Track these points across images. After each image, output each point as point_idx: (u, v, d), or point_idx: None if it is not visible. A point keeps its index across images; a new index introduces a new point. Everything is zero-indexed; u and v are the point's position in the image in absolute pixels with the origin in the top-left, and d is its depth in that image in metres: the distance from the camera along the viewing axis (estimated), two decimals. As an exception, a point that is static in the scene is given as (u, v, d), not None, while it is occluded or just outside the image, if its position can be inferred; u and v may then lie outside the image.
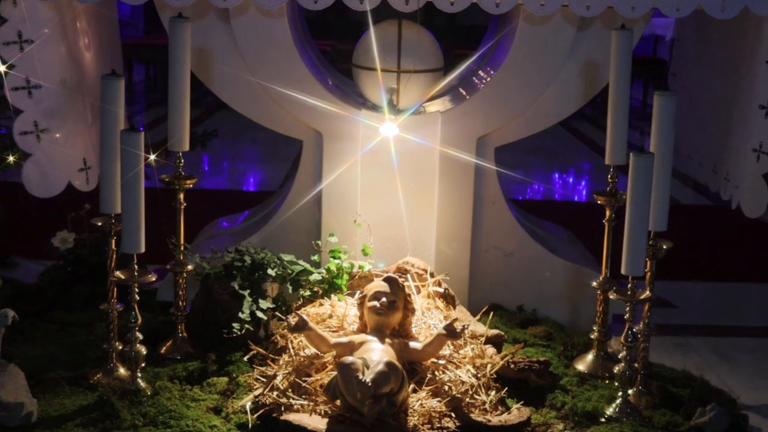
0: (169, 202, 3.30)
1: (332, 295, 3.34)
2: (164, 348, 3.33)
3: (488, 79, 3.63)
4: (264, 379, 3.02)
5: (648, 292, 2.97)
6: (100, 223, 3.09)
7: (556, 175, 7.31)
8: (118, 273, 2.98)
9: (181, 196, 3.29)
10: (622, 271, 2.90)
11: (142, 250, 2.92)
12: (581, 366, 3.33)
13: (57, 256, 3.94)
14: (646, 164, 2.83)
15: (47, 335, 3.47)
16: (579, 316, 3.77)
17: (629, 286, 2.93)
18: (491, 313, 3.40)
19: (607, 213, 3.28)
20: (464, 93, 3.71)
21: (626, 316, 2.95)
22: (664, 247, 3.10)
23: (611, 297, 2.98)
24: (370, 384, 2.67)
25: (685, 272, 4.55)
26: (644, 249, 2.89)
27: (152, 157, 3.39)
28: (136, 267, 2.95)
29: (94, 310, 3.54)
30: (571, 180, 7.32)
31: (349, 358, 2.78)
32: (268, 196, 4.60)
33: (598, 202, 3.29)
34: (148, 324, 3.55)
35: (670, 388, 3.19)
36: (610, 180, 3.28)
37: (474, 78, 3.78)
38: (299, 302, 3.38)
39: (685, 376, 3.34)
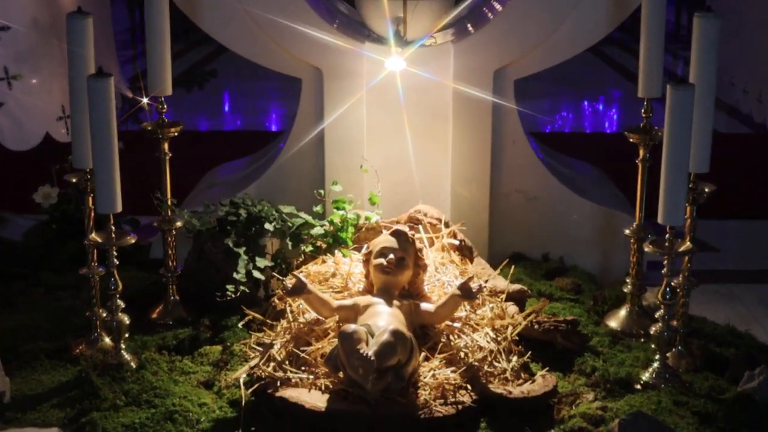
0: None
1: (336, 251, 3.03)
2: (155, 312, 3.05)
3: (505, 4, 3.24)
4: (260, 349, 2.73)
5: (688, 243, 2.63)
6: (74, 180, 2.79)
7: (586, 104, 6.89)
8: (93, 236, 2.69)
9: (166, 145, 2.98)
10: (659, 220, 2.56)
11: (119, 209, 2.62)
12: (613, 323, 3.01)
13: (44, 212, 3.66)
14: (685, 98, 2.47)
15: (31, 301, 3.20)
16: (610, 265, 3.44)
17: (667, 236, 2.59)
18: (513, 266, 3.07)
19: (641, 152, 2.93)
20: (479, 21, 3.32)
21: (664, 270, 2.62)
22: (706, 190, 2.75)
23: (646, 249, 2.64)
24: (372, 358, 2.36)
25: (725, 210, 4.16)
26: (684, 195, 2.54)
27: (145, 100, 3.11)
28: (113, 228, 2.65)
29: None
30: (600, 108, 6.90)
31: (350, 327, 2.48)
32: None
33: (630, 140, 2.93)
34: (141, 284, 3.28)
35: (712, 347, 2.86)
36: (644, 115, 2.92)
37: (489, 3, 3.39)
38: (300, 259, 3.07)
39: (729, 331, 3.01)
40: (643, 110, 2.91)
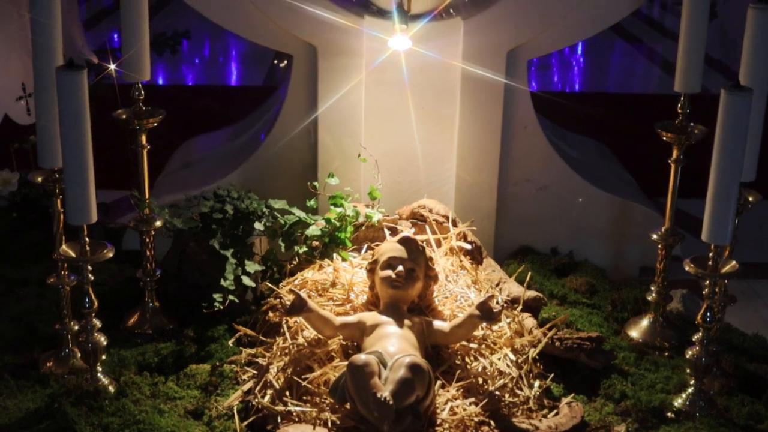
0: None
1: (334, 254, 2.73)
2: (132, 320, 2.74)
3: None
4: (254, 371, 2.44)
5: (733, 262, 2.37)
6: (40, 179, 2.46)
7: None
8: (65, 248, 2.35)
9: (144, 137, 2.63)
10: (703, 238, 2.30)
11: (93, 219, 2.29)
12: (635, 333, 2.77)
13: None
14: (742, 105, 2.18)
15: (-9, 302, 2.88)
16: (622, 258, 3.21)
17: (711, 255, 2.33)
18: (529, 273, 2.80)
19: (674, 153, 2.65)
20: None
21: (705, 291, 2.37)
22: (750, 199, 2.49)
23: (687, 269, 2.37)
24: (390, 402, 2.09)
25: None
26: (733, 211, 2.27)
27: (112, 66, 2.79)
28: (87, 241, 2.32)
29: (48, 262, 2.94)
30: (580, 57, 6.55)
31: (361, 358, 2.20)
32: (253, 92, 3.91)
33: (663, 138, 2.65)
34: (113, 280, 2.97)
35: (744, 363, 2.64)
36: (679, 111, 2.63)
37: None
38: (294, 262, 2.77)
39: (759, 343, 2.78)
40: (679, 106, 2.62)
